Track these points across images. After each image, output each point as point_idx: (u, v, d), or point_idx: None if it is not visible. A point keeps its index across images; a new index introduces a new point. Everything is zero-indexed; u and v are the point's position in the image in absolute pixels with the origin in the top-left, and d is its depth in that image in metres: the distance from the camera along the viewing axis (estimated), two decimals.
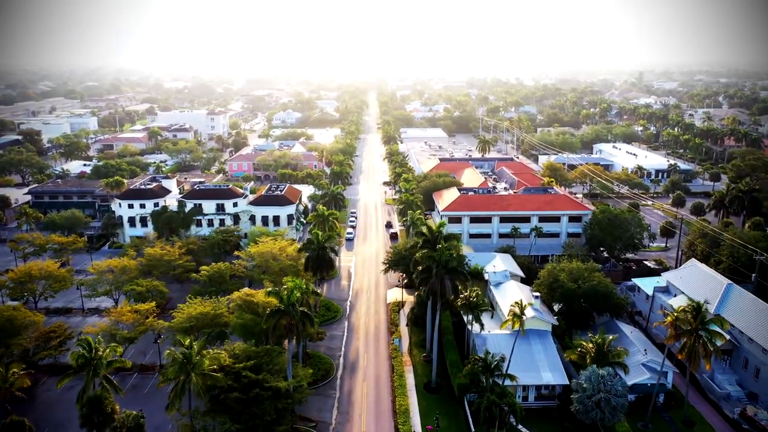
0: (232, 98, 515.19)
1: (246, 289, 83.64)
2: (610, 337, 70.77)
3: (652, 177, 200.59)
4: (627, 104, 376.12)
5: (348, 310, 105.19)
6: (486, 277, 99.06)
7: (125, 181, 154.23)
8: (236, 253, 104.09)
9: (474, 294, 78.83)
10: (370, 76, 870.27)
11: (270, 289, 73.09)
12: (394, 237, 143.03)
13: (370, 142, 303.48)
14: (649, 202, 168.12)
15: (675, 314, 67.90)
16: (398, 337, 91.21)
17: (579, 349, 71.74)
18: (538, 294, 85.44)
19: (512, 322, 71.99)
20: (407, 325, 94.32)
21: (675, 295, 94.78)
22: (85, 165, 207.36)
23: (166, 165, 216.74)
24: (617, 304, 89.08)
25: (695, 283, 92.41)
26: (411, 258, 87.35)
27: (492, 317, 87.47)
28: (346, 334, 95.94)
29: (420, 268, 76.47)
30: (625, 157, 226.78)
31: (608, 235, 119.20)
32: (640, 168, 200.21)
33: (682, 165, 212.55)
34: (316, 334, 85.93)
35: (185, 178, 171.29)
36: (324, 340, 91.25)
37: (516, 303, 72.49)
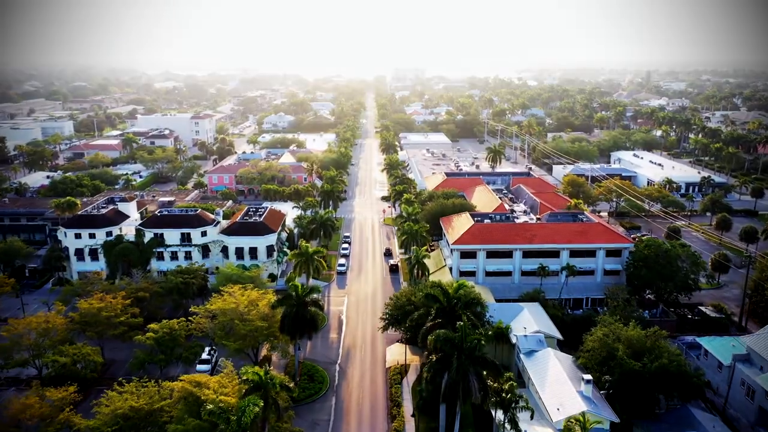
0: (224, 99, 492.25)
1: (194, 376, 61.30)
2: None
3: (682, 191, 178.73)
4: (642, 107, 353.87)
5: (336, 378, 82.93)
6: (513, 340, 77.13)
7: (79, 202, 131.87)
8: (192, 309, 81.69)
9: (507, 385, 56.71)
10: (368, 75, 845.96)
11: (210, 405, 50.23)
12: (394, 269, 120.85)
13: (368, 148, 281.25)
14: (682, 222, 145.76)
15: None
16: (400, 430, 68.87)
17: None
18: (590, 378, 63.31)
19: None
20: (413, 414, 71.78)
21: (761, 368, 72.74)
22: (48, 177, 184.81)
23: (140, 177, 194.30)
24: (693, 386, 67.10)
25: None
26: (417, 328, 65.23)
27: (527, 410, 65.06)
28: (333, 417, 73.69)
29: (434, 357, 54.11)
30: (649, 167, 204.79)
31: (656, 275, 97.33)
32: (669, 181, 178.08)
33: (715, 177, 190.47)
34: None
35: (153, 197, 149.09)
36: None
37: (575, 420, 50.26)
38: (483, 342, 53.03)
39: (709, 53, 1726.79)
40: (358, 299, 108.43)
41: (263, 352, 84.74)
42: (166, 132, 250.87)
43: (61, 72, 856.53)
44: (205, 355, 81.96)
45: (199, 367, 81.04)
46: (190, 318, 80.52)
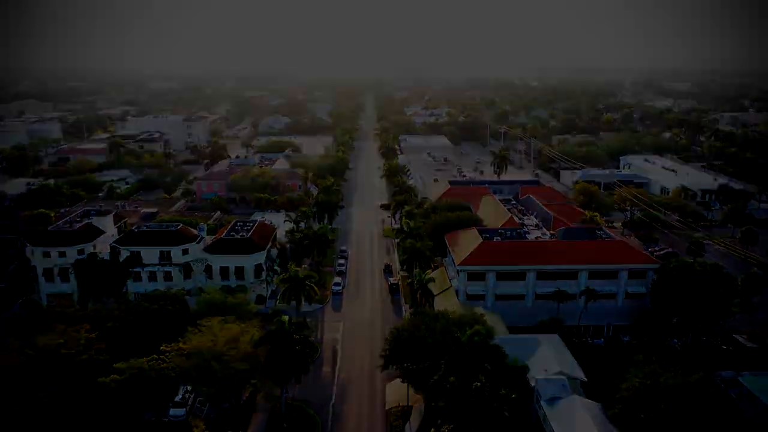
0: (220, 100, 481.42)
1: None
2: None
3: (698, 199, 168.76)
4: (650, 107, 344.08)
5: (330, 422, 72.90)
6: (531, 383, 67.07)
7: (53, 213, 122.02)
8: (163, 347, 71.49)
9: None
10: (367, 75, 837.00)
11: None
12: (394, 289, 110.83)
13: (367, 151, 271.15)
14: (701, 234, 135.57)
15: None
16: None
17: None
18: None
19: None
20: None
21: None
22: (29, 184, 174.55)
23: (126, 183, 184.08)
24: None
25: None
26: (423, 376, 55.23)
27: None
28: None
29: (446, 430, 44.08)
30: (662, 173, 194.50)
31: (689, 301, 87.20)
32: (685, 188, 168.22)
33: (731, 183, 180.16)
34: None
35: (136, 207, 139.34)
36: None
37: None
38: (506, 413, 43.16)
39: (707, 53, 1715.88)
40: (355, 325, 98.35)
41: (246, 393, 74.77)
42: (156, 135, 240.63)
43: (56, 72, 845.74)
44: (178, 398, 72.07)
45: (173, 411, 71.34)
46: (162, 357, 70.42)
